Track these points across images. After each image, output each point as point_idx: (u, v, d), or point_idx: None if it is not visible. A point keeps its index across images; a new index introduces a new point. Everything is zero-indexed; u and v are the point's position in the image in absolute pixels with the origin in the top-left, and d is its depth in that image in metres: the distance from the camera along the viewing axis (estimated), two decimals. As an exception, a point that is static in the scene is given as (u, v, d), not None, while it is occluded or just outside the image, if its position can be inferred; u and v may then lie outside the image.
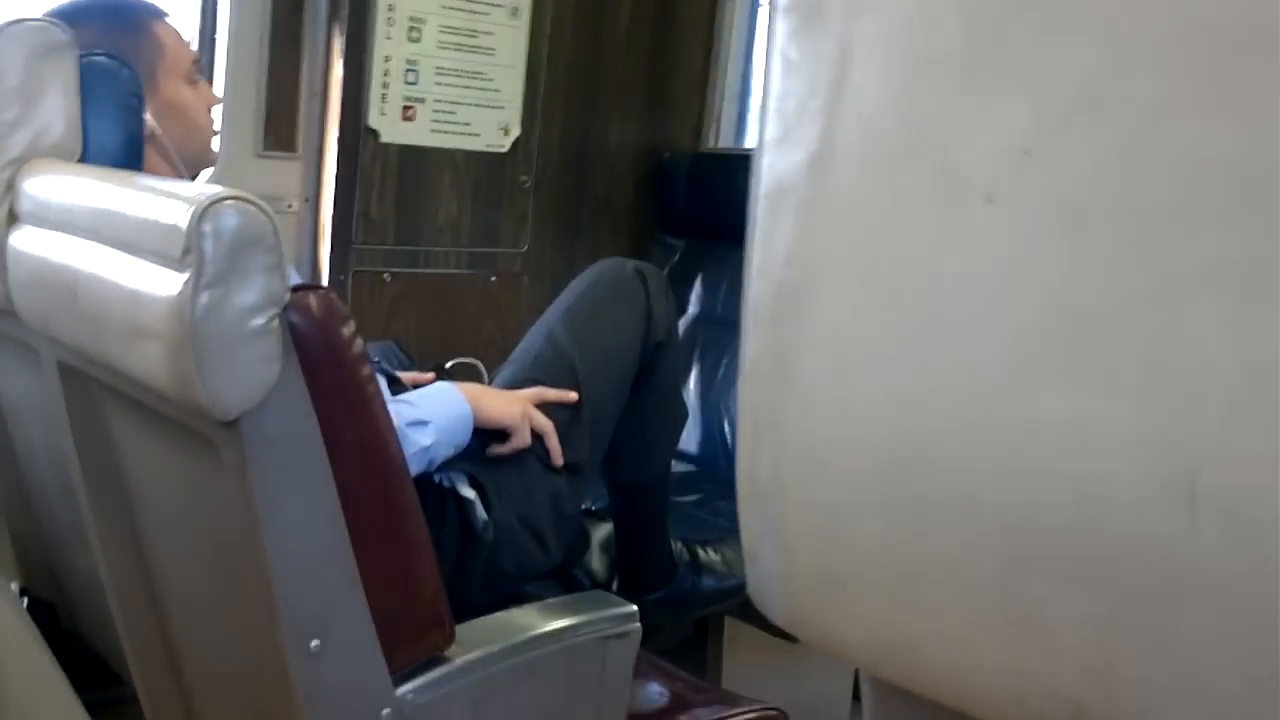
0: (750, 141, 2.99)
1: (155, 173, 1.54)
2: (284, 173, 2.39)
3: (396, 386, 1.60)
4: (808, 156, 0.60)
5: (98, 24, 1.54)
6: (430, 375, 1.76)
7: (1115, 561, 0.51)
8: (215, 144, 1.71)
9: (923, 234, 0.56)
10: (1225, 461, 0.48)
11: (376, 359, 1.44)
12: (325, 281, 2.38)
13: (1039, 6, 0.53)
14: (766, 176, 0.63)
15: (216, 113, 1.71)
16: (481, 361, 2.19)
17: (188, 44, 1.67)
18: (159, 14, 1.64)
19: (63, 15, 1.48)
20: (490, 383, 1.77)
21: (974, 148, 0.55)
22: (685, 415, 1.94)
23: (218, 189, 1.05)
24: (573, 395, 1.63)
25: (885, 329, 0.58)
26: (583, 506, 1.77)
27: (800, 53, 0.60)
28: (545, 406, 1.60)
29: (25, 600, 1.72)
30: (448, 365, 1.78)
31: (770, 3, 0.65)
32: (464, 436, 1.50)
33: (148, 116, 1.50)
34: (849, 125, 0.59)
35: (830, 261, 0.61)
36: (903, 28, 0.57)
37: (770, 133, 0.63)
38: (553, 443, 1.58)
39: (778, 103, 0.62)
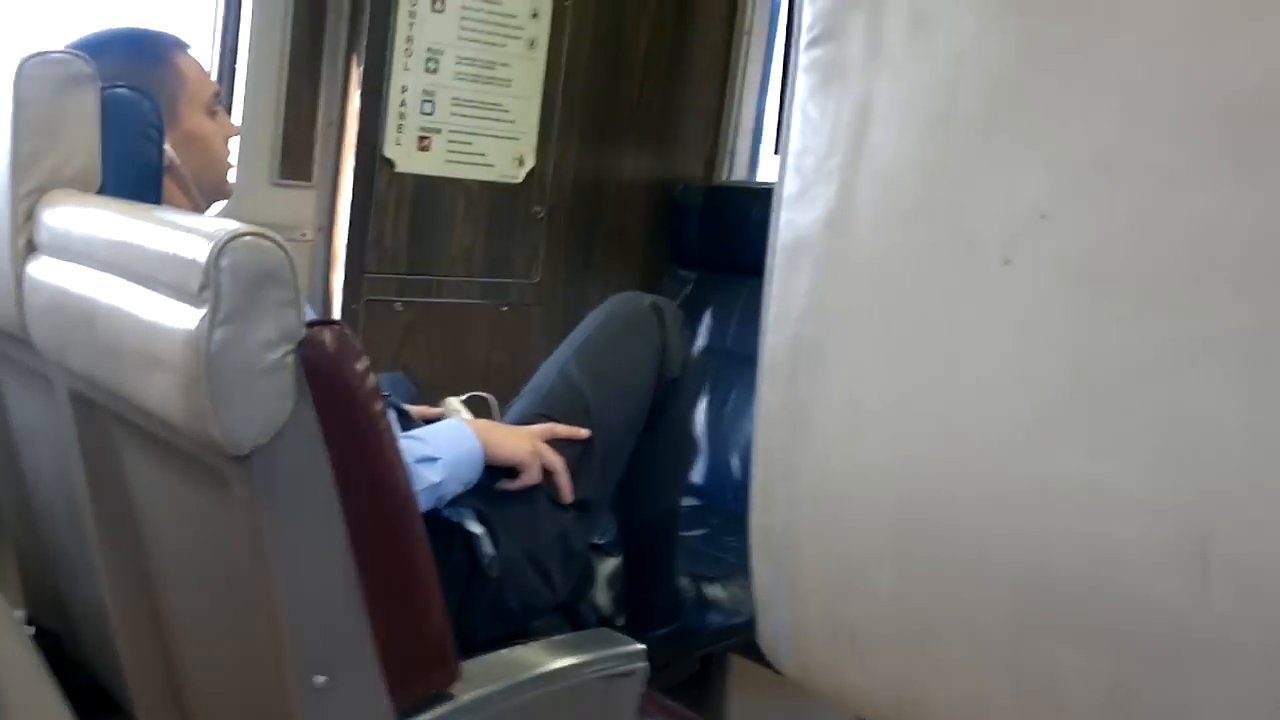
0: (763, 175, 2.99)
1: (173, 203, 1.55)
2: (299, 202, 2.40)
3: (406, 421, 1.60)
4: (825, 213, 0.61)
5: (120, 55, 1.55)
6: (440, 410, 1.76)
7: (1126, 624, 0.51)
8: (232, 175, 1.72)
9: (939, 293, 0.57)
10: (1237, 527, 0.48)
11: (386, 393, 1.45)
12: (338, 310, 2.38)
13: (1057, 72, 0.53)
14: (784, 232, 0.63)
15: (234, 144, 1.72)
16: (492, 392, 2.19)
17: (208, 75, 1.69)
18: (181, 45, 1.66)
19: (85, 46, 1.49)
20: (502, 416, 1.77)
21: (991, 209, 0.55)
22: (696, 452, 1.94)
23: (236, 225, 1.05)
24: (584, 432, 1.63)
25: (900, 386, 0.59)
26: (590, 541, 1.77)
27: (820, 111, 0.61)
28: (556, 443, 1.60)
29: (31, 629, 1.72)
30: (461, 398, 1.78)
31: (786, 45, 0.66)
32: (474, 474, 1.50)
33: (167, 147, 1.51)
34: (867, 184, 0.59)
35: (847, 317, 0.61)
36: (922, 89, 0.57)
37: (788, 189, 0.63)
38: (563, 480, 1.58)
39: (796, 159, 0.63)
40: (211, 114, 1.66)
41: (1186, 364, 0.49)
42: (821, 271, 0.61)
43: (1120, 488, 0.51)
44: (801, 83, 0.64)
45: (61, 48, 1.40)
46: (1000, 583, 0.56)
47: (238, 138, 1.79)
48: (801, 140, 0.63)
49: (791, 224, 0.62)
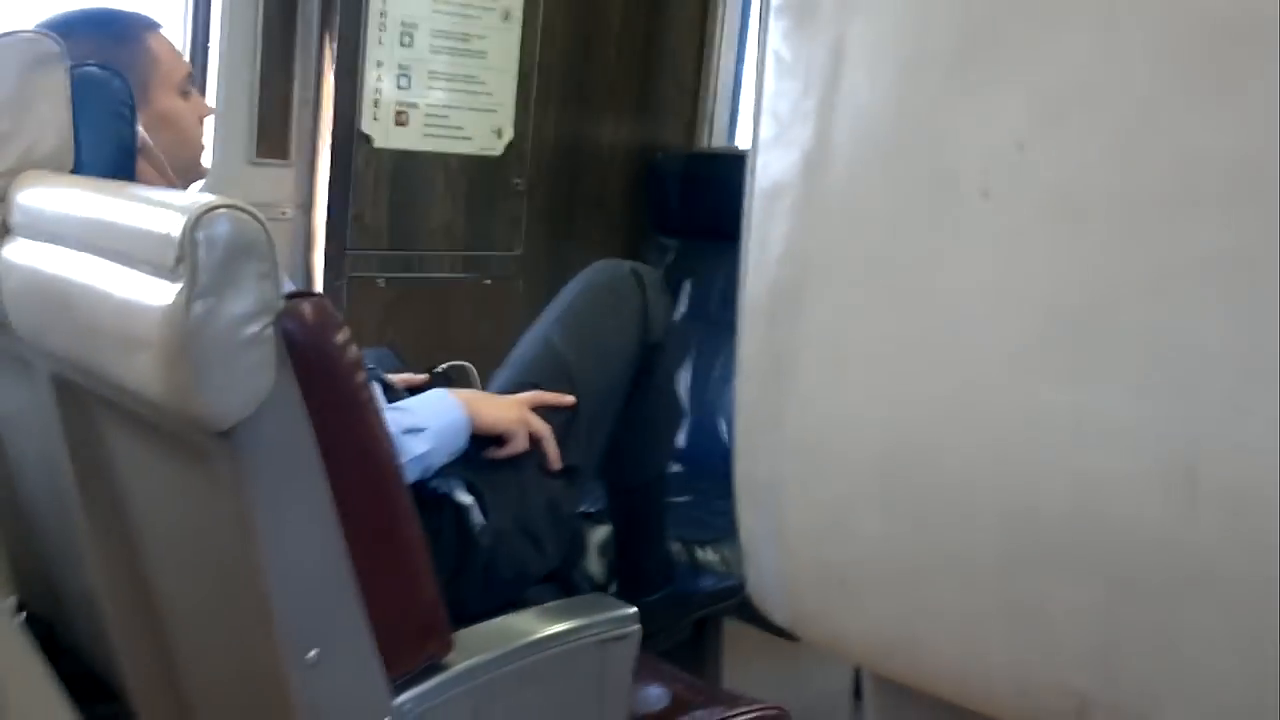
0: (742, 141, 2.98)
1: (147, 183, 1.54)
2: (277, 180, 2.39)
3: (391, 393, 1.59)
4: (802, 155, 0.60)
5: (91, 35, 1.54)
6: (423, 377, 1.76)
7: (1116, 554, 0.51)
8: (206, 156, 1.70)
9: (918, 230, 0.56)
10: (1224, 452, 0.48)
11: (371, 365, 1.44)
12: (320, 288, 2.37)
13: (1032, 2, 0.53)
14: (761, 176, 0.63)
15: (208, 124, 1.71)
16: (476, 365, 2.19)
17: (181, 56, 1.67)
18: (153, 26, 1.64)
19: (56, 27, 1.47)
20: (485, 386, 1.77)
21: (968, 143, 0.54)
22: (681, 415, 1.94)
23: (210, 197, 1.04)
24: (569, 399, 1.63)
25: (882, 325, 0.58)
26: (580, 509, 1.77)
27: (793, 53, 0.60)
28: (542, 410, 1.60)
29: (22, 616, 1.71)
30: (440, 368, 1.77)
31: (762, 2, 0.65)
32: (460, 443, 1.50)
33: (139, 128, 1.49)
34: (843, 124, 0.59)
35: (826, 259, 0.60)
36: (896, 26, 0.57)
37: (764, 133, 0.63)
38: (550, 447, 1.57)
39: (771, 102, 0.62)
40: (184, 95, 1.65)
41: (1170, 289, 0.49)
42: (799, 214, 0.61)
43: (1106, 417, 0.51)
44: (774, 26, 0.63)
45: (31, 27, 1.39)
46: (988, 518, 0.56)
47: (212, 117, 1.78)
48: (776, 83, 0.62)
49: (768, 168, 0.62)
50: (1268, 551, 0.47)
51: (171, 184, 1.59)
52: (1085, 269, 0.51)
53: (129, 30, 1.61)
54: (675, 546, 1.88)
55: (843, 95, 0.60)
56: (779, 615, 0.66)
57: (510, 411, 1.56)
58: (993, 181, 0.54)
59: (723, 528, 2.02)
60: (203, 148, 1.70)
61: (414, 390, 1.67)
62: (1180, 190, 0.48)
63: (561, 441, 1.59)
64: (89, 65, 1.42)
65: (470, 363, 2.04)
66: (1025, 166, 0.53)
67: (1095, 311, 0.51)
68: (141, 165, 1.52)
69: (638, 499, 1.83)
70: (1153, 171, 0.49)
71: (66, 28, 1.50)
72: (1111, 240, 0.50)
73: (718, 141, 2.96)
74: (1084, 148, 0.51)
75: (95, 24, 1.59)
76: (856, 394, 0.60)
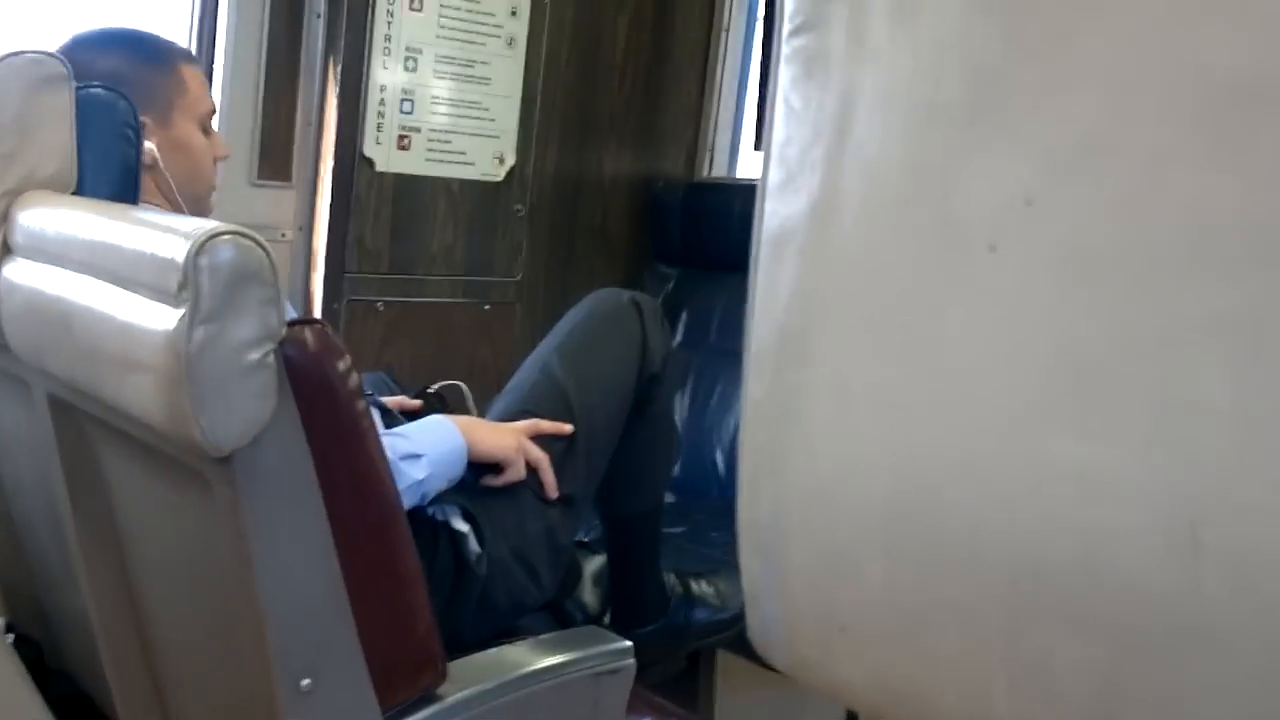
0: (743, 171, 2.99)
1: (151, 203, 1.54)
2: (278, 202, 2.39)
3: (387, 417, 1.59)
4: (810, 203, 0.60)
5: (125, 51, 1.55)
6: (417, 402, 1.76)
7: (1120, 610, 0.51)
8: (213, 198, 1.70)
9: (926, 281, 0.57)
10: (1228, 511, 0.48)
11: (369, 391, 1.44)
12: (319, 311, 2.37)
13: (1041, 58, 0.53)
14: (769, 222, 0.63)
15: (221, 167, 1.72)
16: (474, 389, 2.19)
17: (209, 93, 1.67)
18: (189, 58, 1.65)
19: (92, 40, 1.48)
20: (483, 413, 1.77)
21: (976, 196, 0.55)
22: (679, 446, 1.93)
23: (214, 223, 1.04)
24: (567, 427, 1.63)
25: (888, 375, 0.58)
26: (576, 538, 1.77)
27: (803, 100, 0.61)
28: (540, 438, 1.60)
29: (11, 637, 1.70)
30: (433, 387, 1.77)
31: (765, 33, 0.65)
32: (458, 470, 1.50)
33: (151, 145, 1.50)
34: (852, 173, 0.59)
35: (833, 307, 0.61)
36: (905, 78, 0.57)
37: (772, 178, 0.63)
38: (548, 476, 1.57)
39: (780, 149, 0.63)
40: (205, 130, 1.65)
41: (1176, 348, 0.49)
42: (806, 261, 0.61)
43: (1111, 474, 0.51)
44: (784, 73, 0.63)
45: (60, 42, 1.40)
46: (993, 572, 0.55)
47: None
48: (785, 130, 0.62)
49: (776, 214, 0.62)
50: (1270, 610, 0.47)
51: (176, 207, 1.59)
52: (1092, 325, 0.51)
53: (165, 54, 1.62)
54: (670, 578, 1.88)
55: (852, 145, 0.60)
56: (779, 660, 0.65)
57: (508, 439, 1.56)
58: (1001, 235, 0.54)
59: (718, 559, 2.02)
60: (213, 187, 1.70)
61: (409, 414, 1.67)
62: (1188, 249, 0.49)
63: (559, 470, 1.59)
64: (95, 86, 1.42)
65: (469, 388, 2.04)
66: (1033, 221, 0.53)
67: (1101, 368, 0.51)
68: (147, 184, 1.52)
69: (633, 529, 1.82)
70: (1160, 229, 0.50)
71: (102, 42, 1.51)
72: (1118, 297, 0.50)
73: (719, 171, 2.97)
74: (1092, 204, 0.51)
75: (131, 42, 1.59)
76: (862, 441, 0.60)
